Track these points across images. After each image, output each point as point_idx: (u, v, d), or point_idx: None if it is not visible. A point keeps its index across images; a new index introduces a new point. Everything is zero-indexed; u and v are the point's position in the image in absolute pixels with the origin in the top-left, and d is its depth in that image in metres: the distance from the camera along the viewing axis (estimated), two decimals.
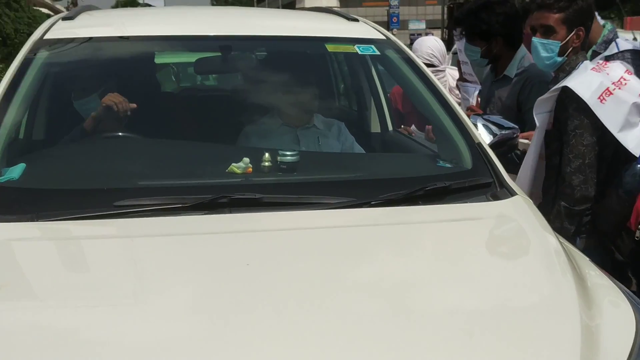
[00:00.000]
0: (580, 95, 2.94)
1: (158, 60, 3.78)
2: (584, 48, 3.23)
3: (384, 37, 3.10)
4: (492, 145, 2.73)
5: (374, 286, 1.91)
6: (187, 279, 1.90)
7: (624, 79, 2.99)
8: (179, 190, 2.30)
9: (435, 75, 4.51)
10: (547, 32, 3.18)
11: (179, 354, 1.59)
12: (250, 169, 2.46)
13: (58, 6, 33.61)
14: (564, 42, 3.15)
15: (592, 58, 3.33)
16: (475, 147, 2.64)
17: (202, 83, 5.89)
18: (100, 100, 2.90)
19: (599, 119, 2.95)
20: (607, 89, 2.95)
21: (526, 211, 2.40)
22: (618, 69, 3.05)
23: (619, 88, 2.96)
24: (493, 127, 2.85)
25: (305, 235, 2.18)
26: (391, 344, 1.64)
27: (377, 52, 3.02)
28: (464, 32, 3.87)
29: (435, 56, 4.58)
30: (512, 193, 2.46)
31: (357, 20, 3.26)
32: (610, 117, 2.93)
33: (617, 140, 2.96)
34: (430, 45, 4.61)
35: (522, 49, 3.79)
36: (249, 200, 2.24)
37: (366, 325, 1.71)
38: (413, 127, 3.82)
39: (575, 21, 3.13)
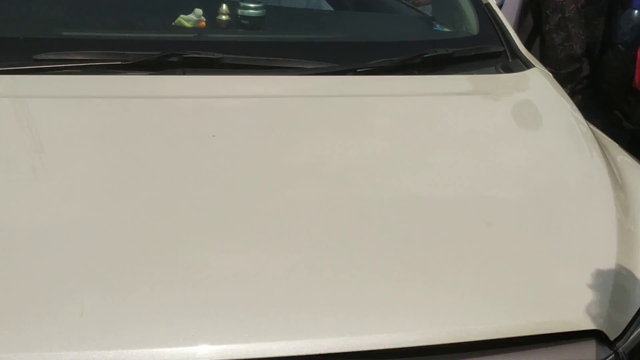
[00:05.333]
0: None
1: None
2: None
3: None
4: (501, 7, 2.62)
5: (369, 168, 1.82)
6: (136, 151, 1.75)
7: None
8: (117, 45, 2.11)
9: None
10: None
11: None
12: (203, 23, 2.31)
13: None
14: None
15: None
16: (482, 7, 2.51)
17: None
18: None
19: None
20: None
21: (545, 86, 2.29)
22: None
23: None
24: None
25: (279, 104, 2.05)
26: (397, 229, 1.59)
27: None
28: None
29: None
30: (527, 65, 2.35)
31: None
32: None
33: None
34: None
35: None
36: (205, 60, 2.07)
37: (362, 213, 1.63)
38: None
39: None
